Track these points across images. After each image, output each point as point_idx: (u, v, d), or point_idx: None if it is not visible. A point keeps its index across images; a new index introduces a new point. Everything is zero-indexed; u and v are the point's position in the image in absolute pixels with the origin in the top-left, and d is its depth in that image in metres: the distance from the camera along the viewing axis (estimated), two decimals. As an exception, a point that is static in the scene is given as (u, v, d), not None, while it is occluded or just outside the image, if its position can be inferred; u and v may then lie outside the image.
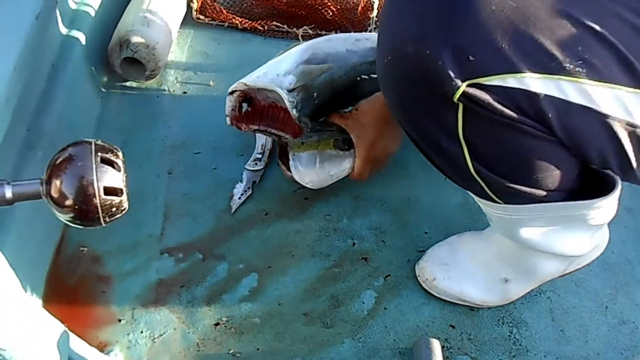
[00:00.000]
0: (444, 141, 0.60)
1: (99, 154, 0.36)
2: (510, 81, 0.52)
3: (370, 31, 1.28)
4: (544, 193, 0.63)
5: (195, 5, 1.21)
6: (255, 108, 0.87)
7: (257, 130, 0.88)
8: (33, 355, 0.52)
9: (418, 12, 0.54)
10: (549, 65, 0.51)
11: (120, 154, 0.38)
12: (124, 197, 0.36)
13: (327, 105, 0.89)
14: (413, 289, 0.84)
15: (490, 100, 0.53)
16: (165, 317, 0.77)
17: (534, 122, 0.55)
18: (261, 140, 0.98)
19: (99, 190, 0.35)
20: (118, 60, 1.03)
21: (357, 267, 0.86)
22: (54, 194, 0.36)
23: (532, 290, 0.84)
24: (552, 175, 0.61)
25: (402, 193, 0.97)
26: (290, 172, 0.89)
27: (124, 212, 0.36)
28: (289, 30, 1.25)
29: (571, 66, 0.51)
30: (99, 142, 0.37)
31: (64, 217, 0.36)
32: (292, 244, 0.88)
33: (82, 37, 1.00)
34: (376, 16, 1.27)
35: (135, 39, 1.01)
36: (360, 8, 1.25)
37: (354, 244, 0.89)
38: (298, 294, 0.82)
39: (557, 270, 0.78)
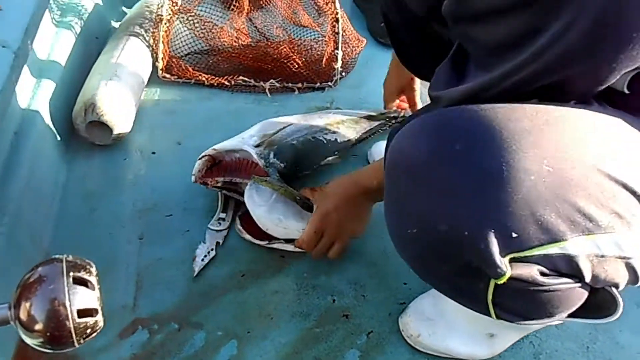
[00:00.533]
0: (468, 298, 0.62)
1: (71, 273, 0.34)
2: (552, 249, 0.53)
3: (335, 82, 1.30)
4: (553, 319, 0.65)
5: (160, 65, 1.22)
6: (221, 165, 0.95)
7: (224, 183, 0.93)
8: None
9: (447, 185, 0.52)
10: (587, 227, 0.53)
11: (93, 269, 0.37)
12: (99, 317, 0.34)
13: (290, 162, 0.96)
14: (397, 345, 0.83)
15: (533, 275, 0.54)
16: (141, 395, 0.73)
17: (568, 279, 0.57)
18: (221, 203, 0.97)
19: (72, 313, 0.33)
20: (83, 124, 1.01)
21: (339, 325, 0.84)
22: (23, 317, 0.33)
23: (514, 342, 0.84)
24: (568, 309, 0.63)
25: (379, 245, 0.97)
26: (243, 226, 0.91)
27: (99, 331, 0.34)
28: (256, 84, 1.26)
29: (605, 222, 0.53)
30: (70, 258, 0.35)
31: (32, 342, 0.34)
32: (270, 305, 0.86)
33: (45, 103, 0.98)
34: (340, 67, 1.29)
35: (101, 102, 1.00)
36: (324, 60, 1.28)
37: (333, 300, 0.88)
38: (280, 359, 0.79)
39: (542, 324, 0.79)
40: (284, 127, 1.00)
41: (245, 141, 0.96)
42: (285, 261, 0.92)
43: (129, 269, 0.87)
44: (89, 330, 0.34)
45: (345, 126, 1.10)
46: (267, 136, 0.97)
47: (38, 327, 0.33)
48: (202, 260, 0.88)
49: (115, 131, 1.02)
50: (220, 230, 0.92)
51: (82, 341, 0.34)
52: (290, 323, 0.84)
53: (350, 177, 0.88)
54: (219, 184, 0.93)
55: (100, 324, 0.35)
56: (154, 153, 1.07)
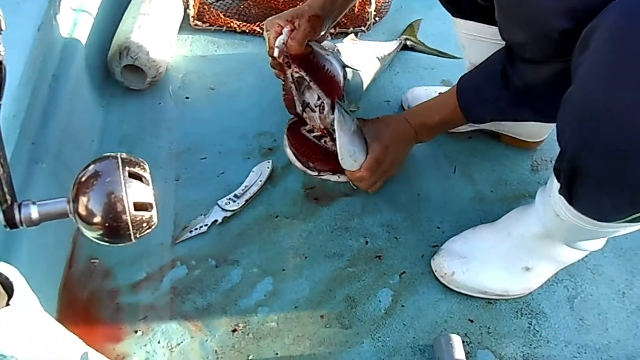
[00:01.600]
0: None
1: (127, 168, 0.34)
2: None
3: (369, 27, 1.27)
4: None
5: (192, 12, 1.21)
6: (309, 59, 0.86)
7: (299, 79, 0.86)
8: (54, 372, 0.51)
9: None
10: None
11: (147, 167, 0.37)
12: (154, 212, 0.35)
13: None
14: (429, 285, 0.84)
15: None
16: (181, 326, 0.76)
17: None
18: (249, 180, 0.93)
19: (128, 206, 0.33)
20: (118, 68, 1.02)
21: (372, 265, 0.85)
22: (82, 211, 0.34)
23: (549, 280, 0.83)
24: None
25: (412, 189, 0.96)
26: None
27: (154, 227, 0.35)
28: (288, 30, 1.24)
29: None
30: (124, 155, 0.36)
31: (92, 235, 0.35)
32: (304, 245, 0.87)
33: (81, 46, 0.99)
34: (375, 10, 1.26)
35: (135, 46, 1.00)
36: (358, 4, 1.25)
37: (366, 242, 0.88)
38: (314, 296, 0.81)
39: (579, 255, 0.79)
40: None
41: (336, 57, 0.89)
42: (318, 204, 0.93)
43: (166, 209, 0.89)
44: (144, 225, 0.35)
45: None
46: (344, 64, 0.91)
47: (96, 219, 0.34)
48: (191, 232, 0.85)
49: (150, 75, 1.03)
50: (227, 210, 0.88)
51: (138, 235, 0.35)
52: (323, 263, 0.85)
53: (402, 116, 0.89)
54: (296, 75, 0.85)
55: (155, 219, 0.36)
56: (187, 98, 1.08)
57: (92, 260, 0.82)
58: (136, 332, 0.75)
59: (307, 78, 0.86)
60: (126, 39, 1.01)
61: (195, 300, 0.79)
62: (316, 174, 0.89)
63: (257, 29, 1.23)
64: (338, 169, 0.87)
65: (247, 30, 1.23)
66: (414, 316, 0.80)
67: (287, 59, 0.84)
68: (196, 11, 1.22)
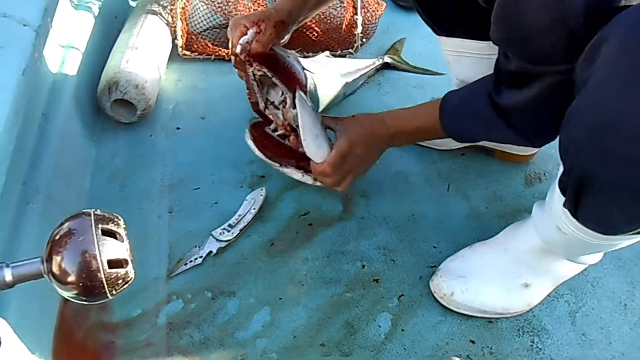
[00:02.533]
0: None
1: (100, 225, 0.34)
2: None
3: (356, 48, 1.28)
4: None
5: (180, 42, 1.21)
6: (271, 57, 0.87)
7: (262, 77, 0.87)
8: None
9: None
10: None
11: (121, 222, 0.37)
12: (130, 267, 0.35)
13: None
14: (428, 307, 0.83)
15: None
16: (179, 362, 0.75)
17: None
18: (243, 209, 0.92)
19: (102, 264, 0.33)
20: (108, 103, 1.02)
21: (369, 289, 0.84)
22: (56, 271, 0.34)
23: (549, 295, 0.83)
24: None
25: (406, 209, 0.96)
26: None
27: (130, 282, 0.35)
28: (276, 55, 1.25)
29: None
30: (98, 212, 0.36)
31: (67, 294, 0.35)
32: (300, 272, 0.86)
33: (70, 83, 0.99)
34: (361, 32, 1.27)
35: (124, 80, 1.01)
36: (344, 26, 1.26)
37: (363, 266, 0.88)
38: (312, 324, 0.80)
39: (579, 269, 0.78)
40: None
41: (296, 59, 0.93)
42: (313, 228, 0.92)
43: (161, 242, 0.89)
44: (120, 281, 0.35)
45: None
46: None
47: (71, 279, 0.34)
48: (185, 265, 0.85)
49: (140, 108, 1.03)
50: (221, 241, 0.87)
51: (114, 292, 0.34)
52: (321, 289, 0.84)
53: (380, 115, 0.86)
54: (258, 73, 0.87)
55: (131, 275, 0.35)
56: (178, 128, 1.08)
57: (87, 299, 0.81)
58: (133, 370, 0.74)
59: (269, 74, 0.87)
60: (115, 74, 1.01)
61: (192, 335, 0.78)
62: (278, 165, 0.87)
63: (246, 56, 1.23)
64: (302, 165, 0.86)
65: (236, 58, 1.23)
66: (415, 340, 0.79)
67: (249, 58, 0.85)
68: (184, 41, 1.23)
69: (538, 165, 1.06)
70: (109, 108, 1.03)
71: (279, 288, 0.84)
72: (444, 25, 0.91)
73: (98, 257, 0.33)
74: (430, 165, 1.04)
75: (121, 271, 0.34)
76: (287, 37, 0.90)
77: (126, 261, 0.35)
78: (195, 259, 0.85)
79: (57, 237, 0.35)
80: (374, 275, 0.86)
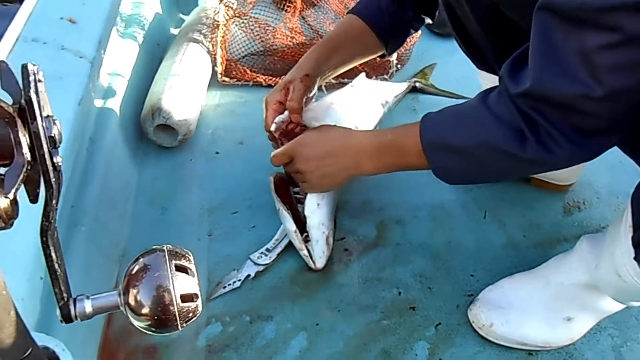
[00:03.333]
0: None
1: (173, 261, 0.36)
2: None
3: (391, 75, 1.30)
4: None
5: (219, 69, 1.25)
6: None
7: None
8: None
9: None
10: None
11: (191, 257, 0.39)
12: (199, 301, 0.37)
13: None
14: (466, 336, 0.82)
15: None
16: (217, 385, 0.76)
17: None
18: (280, 233, 0.94)
19: (176, 298, 0.35)
20: (151, 128, 1.06)
21: (406, 317, 0.84)
22: (132, 303, 0.36)
23: (592, 328, 0.81)
24: None
25: (442, 236, 0.96)
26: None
27: (199, 315, 0.36)
28: (312, 82, 1.27)
29: None
30: (170, 247, 0.38)
31: (140, 325, 0.37)
32: (337, 298, 0.87)
33: (115, 108, 1.04)
34: (396, 58, 1.29)
35: (167, 106, 1.04)
36: (379, 54, 1.27)
37: (399, 293, 0.87)
38: (349, 351, 0.80)
39: (623, 305, 0.76)
40: None
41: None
42: (350, 254, 0.93)
43: (200, 265, 0.90)
44: (190, 315, 0.36)
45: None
46: None
47: (145, 311, 0.35)
48: (224, 288, 0.86)
49: (181, 133, 1.07)
50: (259, 264, 0.89)
51: (184, 325, 0.36)
52: (357, 316, 0.84)
53: (359, 132, 0.82)
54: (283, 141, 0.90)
55: (200, 308, 0.37)
56: (217, 153, 1.11)
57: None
58: (173, 392, 0.75)
59: None
60: (158, 100, 1.05)
61: (231, 358, 0.79)
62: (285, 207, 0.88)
63: (282, 82, 1.26)
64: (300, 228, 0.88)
65: (273, 84, 1.26)
66: (453, 370, 0.78)
67: (282, 137, 0.90)
68: (223, 68, 1.26)
69: (577, 193, 1.04)
70: (151, 133, 1.07)
71: (315, 313, 0.84)
72: (487, 68, 0.90)
73: (172, 292, 0.35)
74: (467, 192, 1.04)
75: (192, 305, 0.36)
76: (315, 89, 0.92)
77: (196, 295, 0.36)
78: (234, 282, 0.87)
79: (134, 271, 0.36)
80: (411, 303, 0.86)
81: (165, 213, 0.99)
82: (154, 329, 0.36)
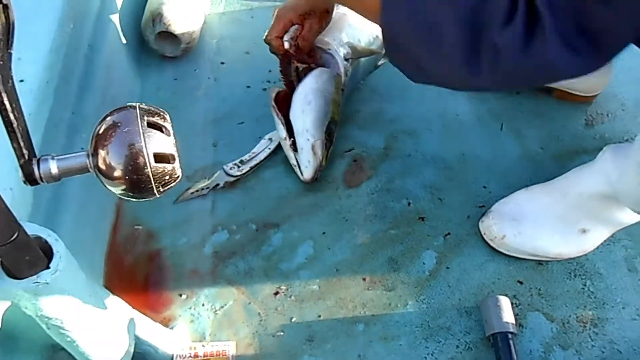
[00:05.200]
0: None
1: (146, 117, 0.33)
2: None
3: None
4: None
5: (224, -27, 1.18)
6: (311, 54, 0.91)
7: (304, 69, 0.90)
8: (99, 334, 0.52)
9: None
10: None
11: (167, 117, 0.36)
12: (177, 164, 0.34)
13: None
14: (475, 246, 0.81)
15: None
16: (224, 290, 0.77)
17: None
18: (259, 146, 0.91)
19: (148, 157, 0.32)
20: (152, 35, 1.01)
21: (415, 227, 0.83)
22: (102, 165, 0.33)
23: (605, 240, 0.79)
24: None
25: (456, 148, 0.92)
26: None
27: (178, 181, 0.34)
28: (322, -12, 1.19)
29: None
30: (143, 105, 0.35)
31: (115, 190, 0.34)
32: (345, 208, 0.85)
33: (114, 15, 0.98)
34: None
35: (167, 12, 0.99)
36: None
37: (409, 203, 0.86)
38: (355, 259, 0.79)
39: (638, 217, 0.73)
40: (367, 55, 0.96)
41: (336, 46, 0.92)
42: (358, 165, 0.90)
43: (205, 174, 0.89)
44: (167, 177, 0.34)
45: None
46: (355, 53, 0.93)
47: (117, 173, 0.33)
48: (192, 194, 0.85)
49: (184, 41, 1.02)
50: (230, 175, 0.87)
51: (161, 189, 0.34)
52: (364, 225, 0.83)
53: None
54: (300, 68, 0.90)
55: (178, 172, 0.34)
56: (223, 63, 1.06)
57: (136, 227, 0.83)
58: (181, 295, 0.76)
59: (299, 63, 0.90)
60: (159, 6, 1.00)
61: (237, 265, 0.79)
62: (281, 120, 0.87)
63: (291, -11, 1.19)
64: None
65: (281, -9, 1.19)
66: (460, 278, 0.77)
67: (294, 51, 0.87)
68: (228, -26, 1.19)
69: (600, 105, 0.99)
70: (153, 41, 1.02)
71: (322, 222, 0.83)
72: None
73: (144, 150, 0.32)
74: (483, 103, 0.99)
75: (168, 167, 0.33)
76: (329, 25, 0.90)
77: (173, 157, 0.34)
78: (202, 189, 0.86)
79: (102, 130, 0.34)
80: (420, 214, 0.84)
81: (169, 123, 0.96)
82: (130, 194, 0.34)
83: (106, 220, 0.83)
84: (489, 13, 0.52)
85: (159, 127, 0.34)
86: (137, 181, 0.33)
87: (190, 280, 0.77)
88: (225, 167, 0.88)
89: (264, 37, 0.90)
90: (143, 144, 0.32)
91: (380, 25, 0.60)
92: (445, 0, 0.54)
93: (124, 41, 1.00)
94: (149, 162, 0.32)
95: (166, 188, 0.34)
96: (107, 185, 0.34)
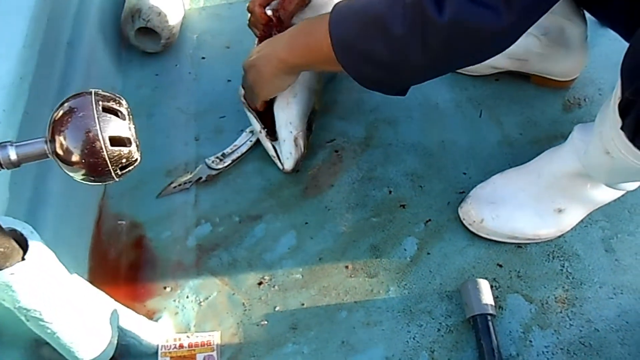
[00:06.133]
0: None
1: (101, 103, 0.34)
2: None
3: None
4: None
5: (203, -33, 1.18)
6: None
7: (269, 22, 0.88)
8: (80, 326, 0.53)
9: None
10: None
11: (124, 102, 0.37)
12: (133, 147, 0.35)
13: None
14: (455, 232, 0.82)
15: None
16: (208, 281, 0.77)
17: None
18: (240, 139, 0.91)
19: (104, 140, 0.33)
20: (132, 31, 1.01)
21: (396, 214, 0.84)
22: (59, 151, 0.34)
23: (583, 221, 0.80)
24: None
25: (436, 136, 0.93)
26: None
27: (136, 164, 0.34)
28: (302, -19, 1.20)
29: None
30: (99, 91, 0.35)
31: (75, 176, 0.35)
32: (326, 198, 0.86)
33: (94, 12, 0.98)
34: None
35: (146, 8, 0.99)
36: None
37: (390, 191, 0.87)
38: (338, 247, 0.80)
39: (614, 196, 0.75)
40: None
41: None
42: (339, 155, 0.91)
43: (187, 168, 0.89)
44: (124, 160, 0.35)
45: None
46: None
47: (75, 158, 0.34)
48: (175, 188, 0.86)
49: (164, 37, 1.02)
50: (213, 169, 0.87)
51: (119, 172, 0.34)
52: (346, 214, 0.84)
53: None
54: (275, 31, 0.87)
55: (135, 155, 0.35)
56: (203, 58, 1.07)
57: (119, 221, 0.83)
58: (165, 288, 0.77)
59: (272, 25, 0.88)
60: (137, 1, 1.00)
61: (221, 256, 0.80)
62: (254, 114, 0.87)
63: (271, -18, 1.19)
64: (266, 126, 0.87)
65: (261, -15, 1.19)
66: (440, 263, 0.79)
67: (272, 22, 0.87)
68: (208, -31, 1.19)
69: (578, 90, 1.00)
70: (133, 37, 1.02)
71: (304, 213, 0.84)
72: None
73: (99, 133, 0.33)
74: (462, 91, 1.00)
75: (124, 150, 0.34)
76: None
77: (129, 140, 0.34)
78: (185, 183, 0.86)
79: (59, 116, 0.34)
80: (401, 201, 0.85)
81: (151, 119, 0.97)
82: (91, 178, 0.34)
83: (89, 215, 0.83)
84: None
85: (114, 112, 0.35)
86: (94, 165, 0.33)
87: (175, 272, 0.78)
88: (207, 160, 0.89)
89: (247, 6, 0.89)
90: (98, 128, 0.33)
91: (332, 41, 0.65)
92: None
93: (104, 38, 1.00)
94: (105, 146, 0.33)
95: (124, 171, 0.35)
96: (67, 171, 0.35)
